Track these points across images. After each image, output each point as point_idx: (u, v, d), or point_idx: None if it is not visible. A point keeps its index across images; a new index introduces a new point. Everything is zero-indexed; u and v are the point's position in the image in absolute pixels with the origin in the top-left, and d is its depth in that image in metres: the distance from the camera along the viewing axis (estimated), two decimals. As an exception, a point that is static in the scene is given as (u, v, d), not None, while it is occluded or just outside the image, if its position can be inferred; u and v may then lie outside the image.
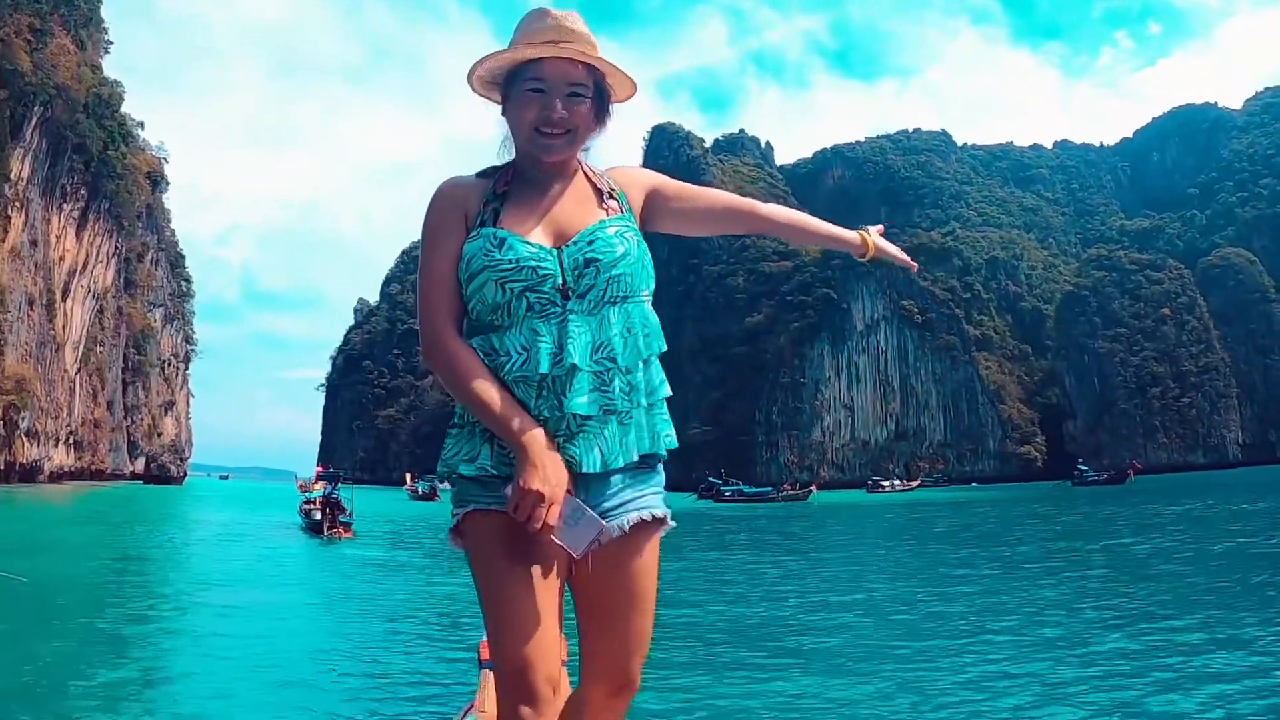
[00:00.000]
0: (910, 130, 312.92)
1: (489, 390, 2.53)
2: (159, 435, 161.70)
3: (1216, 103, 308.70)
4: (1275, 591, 17.72)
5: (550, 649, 2.58)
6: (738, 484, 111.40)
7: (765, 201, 3.01)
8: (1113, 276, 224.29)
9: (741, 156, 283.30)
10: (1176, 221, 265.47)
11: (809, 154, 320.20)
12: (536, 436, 2.51)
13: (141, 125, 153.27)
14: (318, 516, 40.03)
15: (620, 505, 2.66)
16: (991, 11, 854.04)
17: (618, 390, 2.61)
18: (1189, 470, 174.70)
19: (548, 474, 2.47)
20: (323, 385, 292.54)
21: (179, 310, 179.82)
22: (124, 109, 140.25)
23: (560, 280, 2.59)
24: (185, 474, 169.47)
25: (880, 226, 3.31)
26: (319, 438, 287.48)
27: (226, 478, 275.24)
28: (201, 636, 14.66)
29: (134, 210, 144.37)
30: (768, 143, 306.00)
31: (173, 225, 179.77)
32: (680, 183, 2.95)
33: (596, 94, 2.72)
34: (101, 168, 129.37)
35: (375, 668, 12.51)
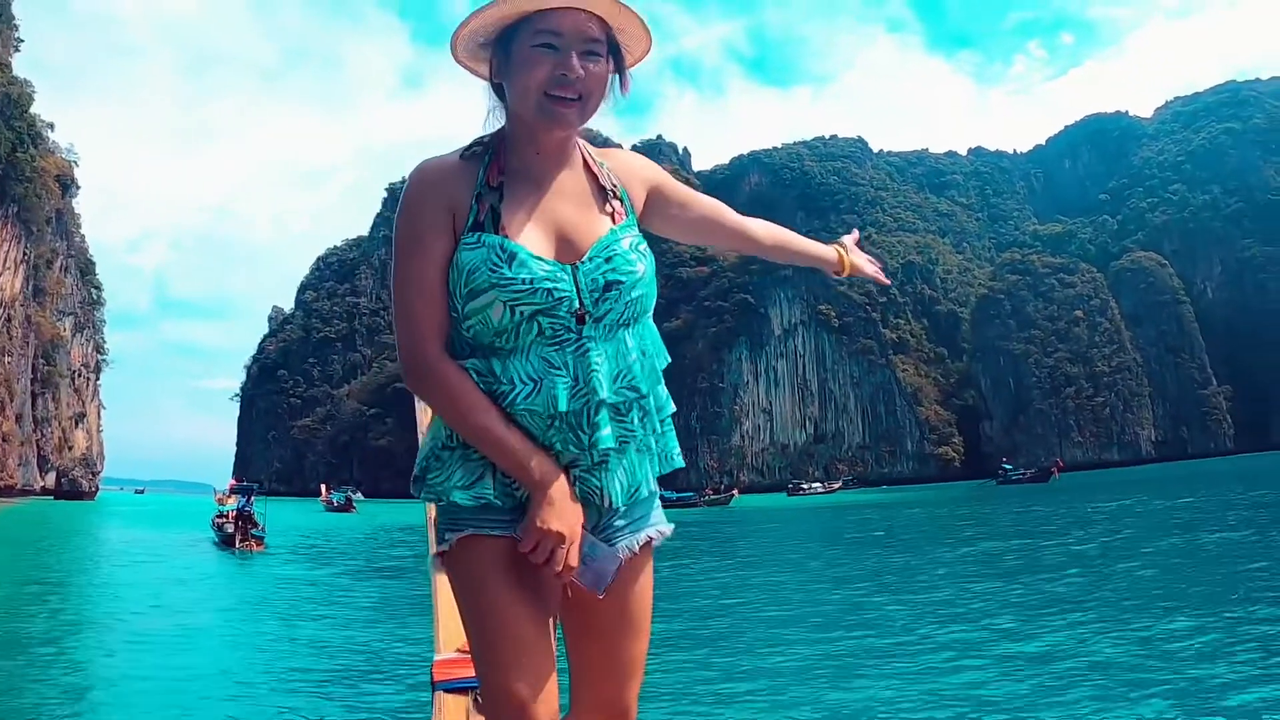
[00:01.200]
0: (827, 137, 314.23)
1: (496, 423, 2.24)
2: (70, 449, 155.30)
3: (1127, 111, 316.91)
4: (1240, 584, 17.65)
5: (551, 682, 2.34)
6: (659, 489, 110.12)
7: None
8: (1026, 280, 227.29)
9: (659, 162, 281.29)
10: (1088, 226, 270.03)
11: (726, 160, 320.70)
12: (553, 475, 2.26)
13: (51, 127, 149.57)
14: (230, 530, 41.12)
15: (630, 524, 2.44)
16: (906, 20, 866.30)
17: (635, 419, 2.38)
18: (1104, 467, 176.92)
19: (566, 514, 2.26)
20: (237, 395, 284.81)
21: (89, 319, 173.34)
22: (34, 109, 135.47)
23: (577, 303, 2.27)
24: (97, 489, 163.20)
25: (855, 234, 3.10)
26: (234, 449, 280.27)
27: (142, 491, 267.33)
28: (112, 663, 13.77)
29: (43, 215, 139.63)
30: (685, 148, 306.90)
31: (83, 231, 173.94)
32: (680, 185, 2.66)
33: (612, 53, 2.34)
34: (9, 170, 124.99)
35: (312, 694, 11.62)
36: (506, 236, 2.26)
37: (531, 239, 2.28)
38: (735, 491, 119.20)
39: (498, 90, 2.38)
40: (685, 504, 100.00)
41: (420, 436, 2.81)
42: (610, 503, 2.36)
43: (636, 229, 2.45)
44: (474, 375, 2.26)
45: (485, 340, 2.27)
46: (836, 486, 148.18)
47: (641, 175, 2.56)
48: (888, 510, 65.04)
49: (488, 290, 2.21)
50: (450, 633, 3.10)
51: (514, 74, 2.28)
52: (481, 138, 2.43)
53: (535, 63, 2.24)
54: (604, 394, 2.27)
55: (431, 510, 2.63)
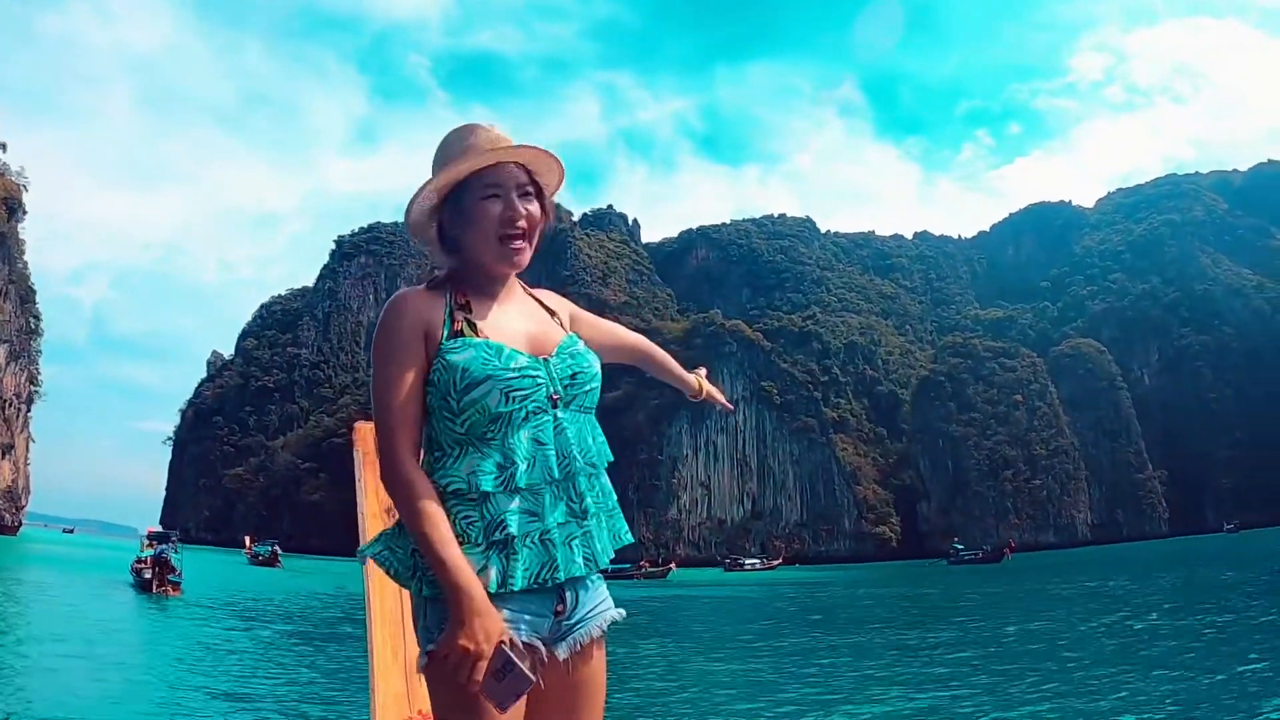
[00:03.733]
0: (775, 215, 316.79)
1: (441, 529, 2.49)
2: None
3: (1070, 201, 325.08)
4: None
5: None
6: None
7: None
8: (968, 363, 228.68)
9: (608, 231, 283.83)
10: (1029, 312, 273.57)
11: (673, 232, 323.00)
12: (476, 592, 2.47)
13: (3, 147, 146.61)
14: (148, 576, 42.19)
15: (595, 608, 2.72)
16: (858, 105, 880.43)
17: (600, 491, 2.72)
18: (1040, 549, 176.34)
19: (477, 633, 2.43)
20: (170, 439, 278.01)
21: (25, 348, 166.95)
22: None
23: (552, 389, 2.65)
24: (21, 523, 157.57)
25: (704, 370, 3.55)
26: (164, 493, 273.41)
27: (71, 531, 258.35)
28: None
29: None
30: (635, 220, 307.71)
31: (25, 257, 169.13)
32: (589, 315, 3.10)
33: (537, 193, 2.77)
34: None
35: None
36: (487, 339, 2.63)
37: (507, 340, 2.67)
38: (673, 565, 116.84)
39: (447, 242, 2.76)
40: (622, 575, 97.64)
41: (361, 501, 3.15)
42: (595, 565, 2.68)
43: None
44: (483, 468, 2.55)
45: (480, 430, 2.57)
46: (777, 563, 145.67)
47: (564, 305, 2.99)
48: (841, 590, 62.41)
49: (484, 381, 2.55)
50: (386, 709, 3.13)
51: (470, 225, 2.67)
52: (439, 272, 2.80)
53: (485, 212, 2.65)
54: (580, 463, 2.63)
55: (385, 610, 2.82)
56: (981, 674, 17.51)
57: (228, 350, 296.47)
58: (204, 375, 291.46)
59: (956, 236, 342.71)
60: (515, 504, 2.56)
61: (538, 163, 2.75)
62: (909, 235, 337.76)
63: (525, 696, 2.50)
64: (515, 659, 2.47)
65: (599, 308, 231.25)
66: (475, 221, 2.68)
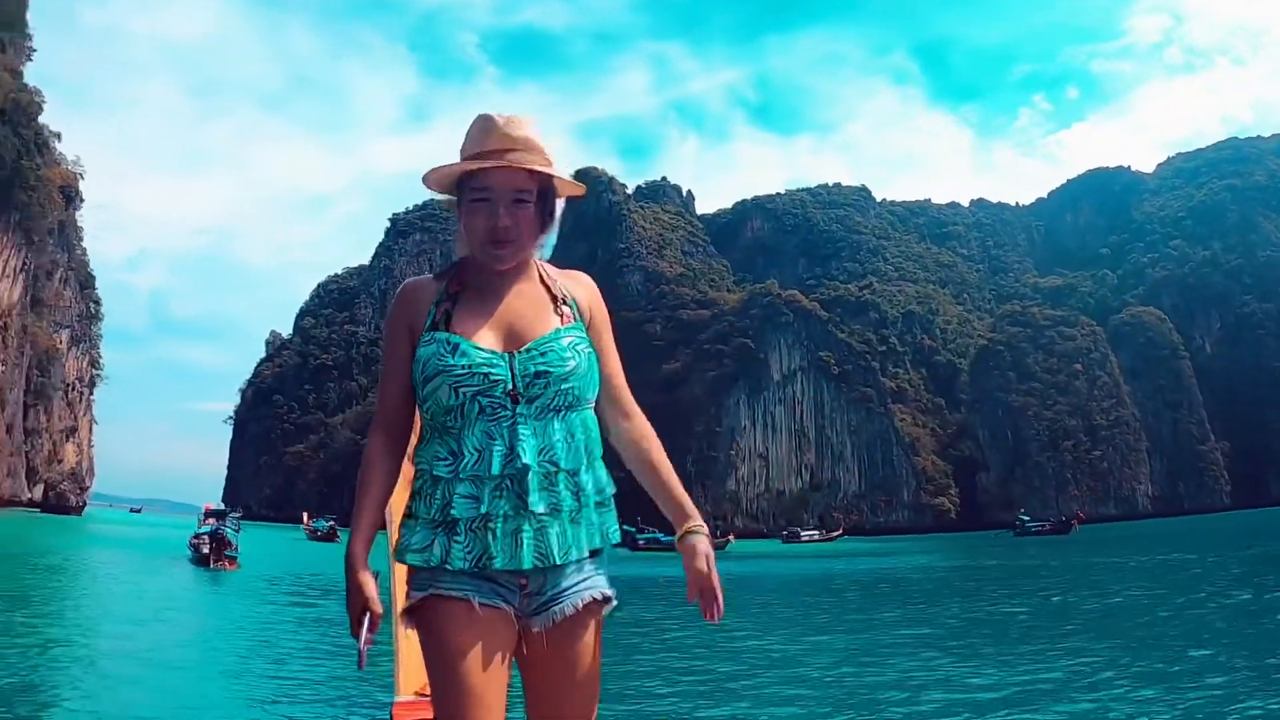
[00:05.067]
0: (830, 185, 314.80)
1: (367, 506, 2.75)
2: (59, 462, 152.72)
3: (1129, 166, 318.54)
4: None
5: None
6: (654, 532, 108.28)
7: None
8: (1026, 332, 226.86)
9: (662, 204, 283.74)
10: (1089, 280, 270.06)
11: (728, 204, 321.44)
12: (355, 562, 2.67)
13: (58, 137, 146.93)
14: (205, 551, 43.13)
15: (571, 588, 2.75)
16: (910, 72, 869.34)
17: (563, 490, 2.71)
18: (1100, 522, 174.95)
19: (353, 594, 2.66)
20: (231, 418, 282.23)
21: (86, 333, 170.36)
22: (41, 119, 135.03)
23: (510, 385, 2.69)
24: (85, 504, 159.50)
25: (705, 552, 2.93)
26: (225, 472, 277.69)
27: (139, 510, 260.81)
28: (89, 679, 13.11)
29: (45, 225, 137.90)
30: (689, 191, 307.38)
31: (84, 244, 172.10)
32: (608, 326, 3.00)
33: (541, 196, 2.80)
34: (14, 178, 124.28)
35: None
36: (453, 333, 2.73)
37: (475, 332, 2.74)
38: (731, 537, 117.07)
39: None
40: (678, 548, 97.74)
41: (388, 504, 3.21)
42: (549, 561, 2.69)
43: (583, 333, 2.84)
44: (439, 454, 2.71)
45: (439, 419, 2.72)
46: (837, 534, 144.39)
47: (587, 293, 2.96)
48: (910, 561, 60.00)
49: (436, 376, 2.68)
50: (410, 676, 3.26)
51: (463, 221, 2.80)
52: (456, 260, 2.93)
53: (474, 215, 2.75)
54: (529, 461, 2.65)
55: (401, 571, 2.89)
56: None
57: (286, 330, 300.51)
58: (263, 355, 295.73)
59: (1014, 204, 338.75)
60: (462, 491, 2.66)
61: (545, 173, 2.79)
62: (965, 203, 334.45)
63: (509, 658, 2.72)
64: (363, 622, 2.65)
65: (655, 280, 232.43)
66: (466, 220, 2.78)
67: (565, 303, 2.87)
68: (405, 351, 2.79)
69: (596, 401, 2.95)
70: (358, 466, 2.56)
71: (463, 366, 2.68)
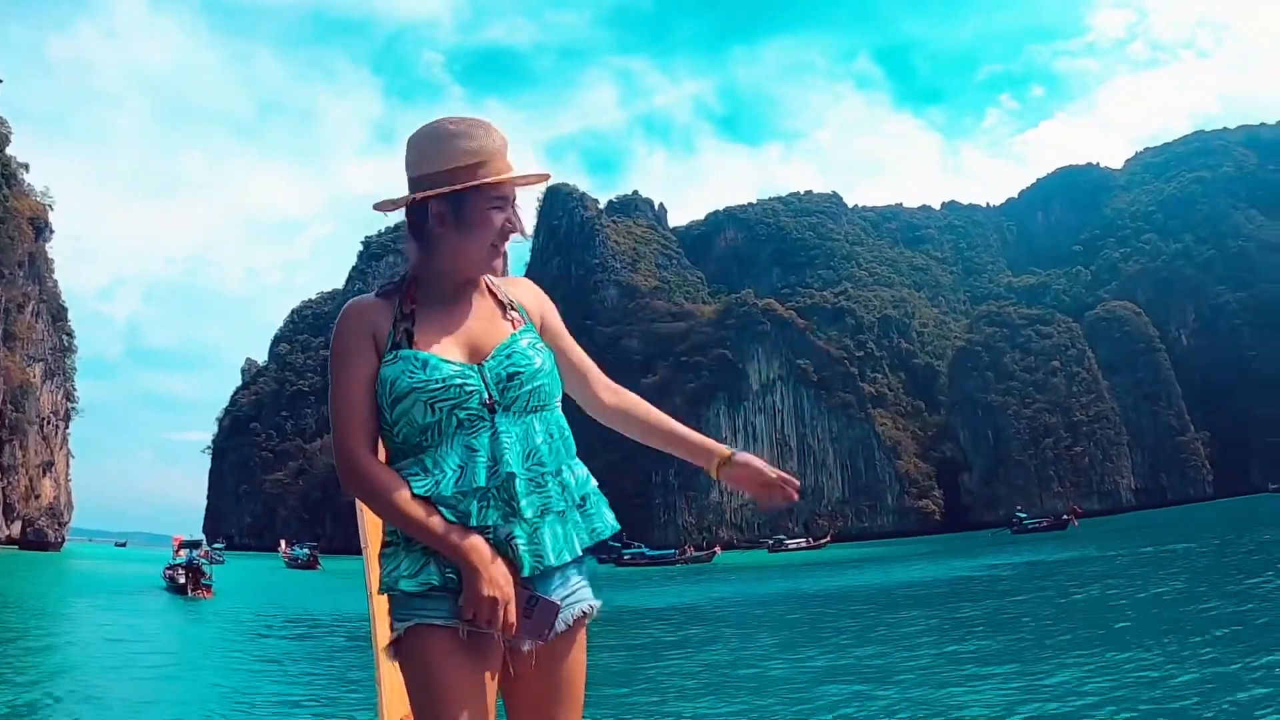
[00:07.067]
0: (802, 192, 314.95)
1: (418, 507, 2.57)
2: (36, 498, 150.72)
3: (1098, 163, 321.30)
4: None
5: None
6: (639, 546, 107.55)
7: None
8: (1003, 332, 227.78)
9: (635, 218, 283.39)
10: (1062, 277, 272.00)
11: (700, 215, 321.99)
12: (477, 545, 2.56)
13: (26, 168, 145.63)
14: (181, 580, 44.70)
15: (563, 600, 2.71)
16: (875, 77, 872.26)
17: (553, 491, 2.69)
18: (1084, 517, 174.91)
19: (496, 578, 2.54)
20: (209, 448, 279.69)
21: (60, 366, 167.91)
22: (9, 150, 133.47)
23: (486, 395, 2.65)
24: (64, 539, 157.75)
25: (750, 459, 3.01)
26: (205, 502, 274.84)
27: (124, 544, 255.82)
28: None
29: (15, 257, 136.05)
30: (661, 204, 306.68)
31: (55, 276, 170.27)
32: (558, 316, 3.02)
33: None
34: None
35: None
36: (419, 350, 2.67)
37: (441, 348, 2.69)
38: (717, 549, 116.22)
39: (426, 239, 2.76)
40: (664, 561, 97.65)
41: (362, 534, 3.17)
42: (546, 562, 2.65)
43: (535, 333, 2.85)
44: (413, 473, 2.61)
45: (414, 440, 2.64)
46: (825, 541, 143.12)
47: (533, 298, 2.96)
48: (908, 565, 59.70)
49: (409, 394, 2.60)
50: (394, 705, 3.21)
51: (469, 230, 2.70)
52: (393, 278, 2.85)
53: (491, 221, 2.70)
54: (515, 468, 2.61)
55: (381, 601, 2.82)
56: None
57: (261, 357, 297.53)
58: (239, 383, 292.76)
59: (985, 204, 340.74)
60: (447, 509, 2.59)
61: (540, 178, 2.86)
62: (936, 205, 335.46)
63: (496, 682, 2.65)
64: (535, 591, 2.62)
65: (630, 294, 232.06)
66: (476, 228, 2.71)
67: (513, 308, 2.87)
68: (369, 370, 2.69)
69: (581, 391, 3.01)
70: (339, 492, 2.61)
71: (437, 381, 2.61)
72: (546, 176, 2.86)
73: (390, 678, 2.89)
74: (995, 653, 17.61)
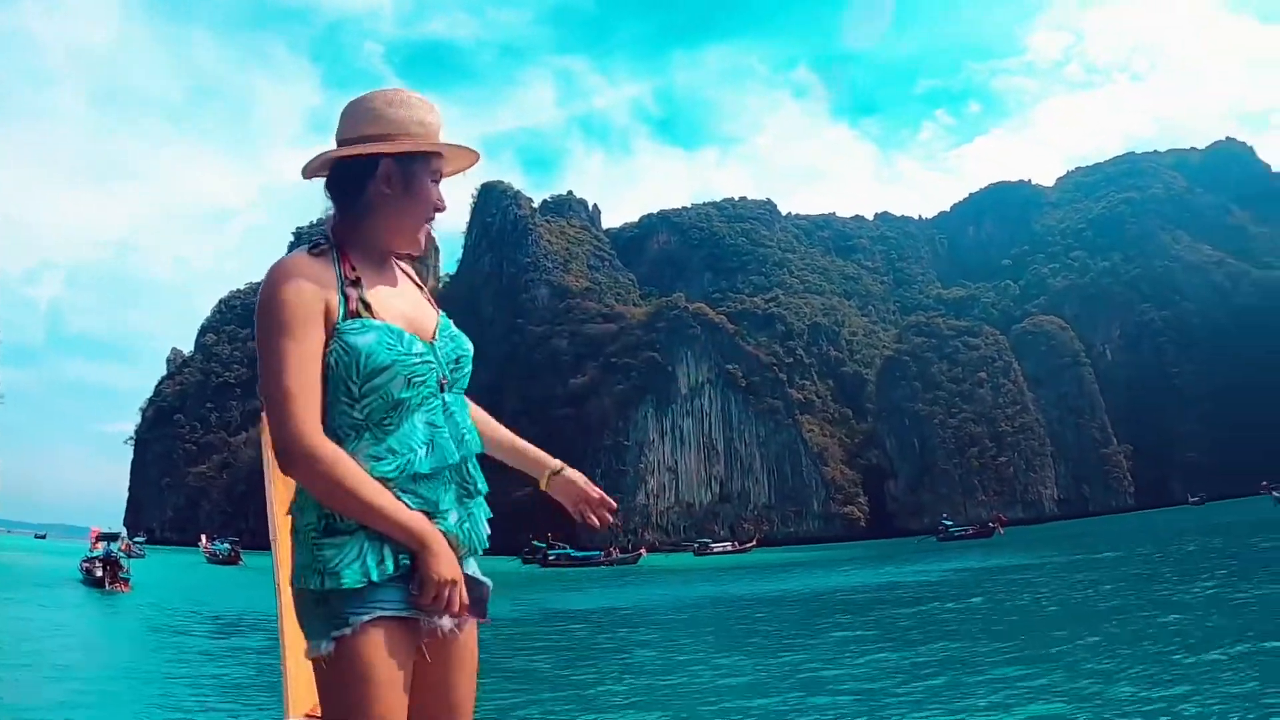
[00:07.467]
0: (736, 198, 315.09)
1: (381, 492, 2.45)
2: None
3: (1030, 180, 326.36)
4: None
5: None
6: (564, 547, 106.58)
7: None
8: (931, 342, 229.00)
9: (568, 218, 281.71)
10: (991, 290, 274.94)
11: (634, 217, 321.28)
12: (433, 529, 2.51)
13: None
14: (99, 574, 44.69)
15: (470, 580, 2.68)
16: (812, 86, 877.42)
17: (477, 474, 2.71)
18: (1009, 525, 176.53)
19: (452, 560, 2.51)
20: (131, 439, 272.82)
21: None
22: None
23: (440, 374, 2.63)
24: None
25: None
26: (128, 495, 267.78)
27: (43, 536, 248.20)
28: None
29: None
30: (595, 205, 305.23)
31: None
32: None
33: None
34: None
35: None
36: (385, 321, 2.57)
37: (398, 321, 2.61)
38: (643, 551, 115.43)
39: (359, 203, 2.67)
40: (590, 563, 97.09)
41: (272, 527, 3.05)
42: (483, 544, 2.70)
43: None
44: (376, 455, 2.50)
45: (378, 417, 2.51)
46: (751, 545, 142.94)
47: (422, 283, 2.92)
48: (838, 570, 60.26)
49: (390, 366, 2.49)
50: (300, 697, 3.15)
51: (409, 200, 2.66)
52: (318, 239, 2.68)
53: (430, 194, 2.68)
54: (475, 446, 2.69)
55: (287, 595, 2.68)
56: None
57: (187, 347, 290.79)
58: (164, 373, 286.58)
59: (917, 217, 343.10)
60: (412, 492, 2.51)
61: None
62: (870, 216, 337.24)
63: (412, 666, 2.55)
64: (466, 574, 2.59)
65: (562, 294, 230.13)
66: (416, 198, 2.65)
67: (423, 290, 2.86)
68: (321, 341, 2.51)
69: None
70: (263, 486, 2.55)
71: (416, 355, 2.55)
72: (478, 156, 2.79)
73: (296, 670, 3.08)
74: (929, 660, 17.65)
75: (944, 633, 22.48)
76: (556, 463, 3.14)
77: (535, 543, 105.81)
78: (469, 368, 2.75)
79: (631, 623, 31.43)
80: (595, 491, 3.10)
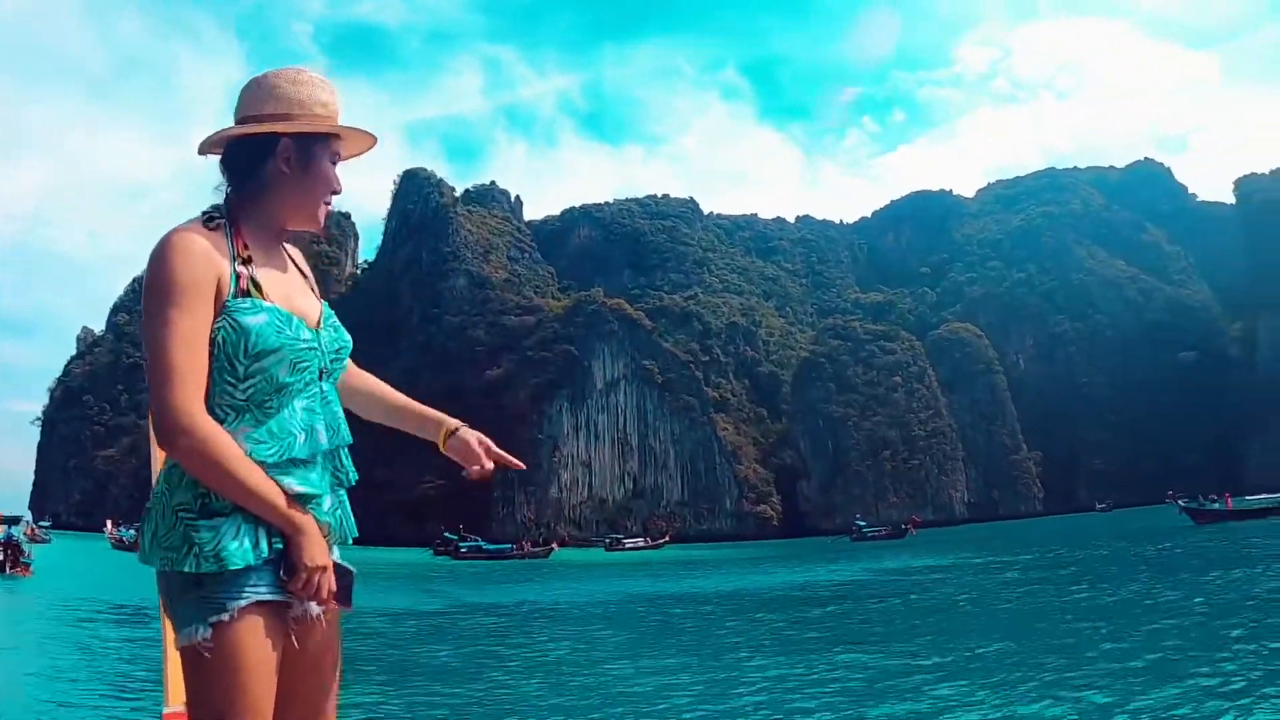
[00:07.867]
0: (659, 196, 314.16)
1: (257, 473, 2.42)
2: None
3: (951, 190, 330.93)
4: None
5: None
6: (476, 540, 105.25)
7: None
8: (847, 345, 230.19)
9: (490, 208, 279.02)
10: (909, 297, 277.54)
11: (556, 210, 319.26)
12: (307, 515, 2.51)
13: None
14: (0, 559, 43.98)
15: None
16: (740, 88, 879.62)
17: (349, 464, 2.75)
18: (921, 527, 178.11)
19: (323, 547, 2.52)
20: (38, 419, 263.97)
21: None
22: None
23: (322, 362, 2.63)
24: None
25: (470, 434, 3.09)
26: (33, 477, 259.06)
27: None
28: None
29: None
30: (517, 197, 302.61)
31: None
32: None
33: None
34: None
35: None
36: (275, 304, 2.53)
37: (289, 305, 2.59)
38: (555, 545, 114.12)
39: (252, 180, 2.65)
40: (501, 556, 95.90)
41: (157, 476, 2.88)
42: (352, 533, 2.74)
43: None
44: (256, 438, 2.46)
45: (260, 399, 2.48)
46: (663, 542, 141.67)
47: (308, 268, 2.90)
48: (748, 567, 60.02)
49: (278, 350, 2.46)
50: (178, 685, 3.01)
51: (309, 176, 2.65)
52: (216, 208, 2.64)
53: (329, 174, 2.66)
54: (347, 437, 2.69)
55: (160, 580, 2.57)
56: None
57: (99, 326, 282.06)
58: (74, 352, 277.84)
59: (839, 221, 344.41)
60: (289, 476, 2.49)
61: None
62: (791, 219, 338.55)
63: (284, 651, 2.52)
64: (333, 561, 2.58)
65: (480, 284, 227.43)
66: (315, 178, 2.64)
67: (308, 277, 2.83)
68: (210, 317, 2.44)
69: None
70: None
71: (303, 341, 2.53)
72: (375, 140, 2.77)
73: (175, 658, 2.98)
74: (847, 659, 17.60)
75: (863, 632, 22.52)
76: (455, 422, 3.03)
77: (447, 534, 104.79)
78: (346, 361, 2.76)
79: (544, 618, 30.80)
80: (496, 453, 3.04)
